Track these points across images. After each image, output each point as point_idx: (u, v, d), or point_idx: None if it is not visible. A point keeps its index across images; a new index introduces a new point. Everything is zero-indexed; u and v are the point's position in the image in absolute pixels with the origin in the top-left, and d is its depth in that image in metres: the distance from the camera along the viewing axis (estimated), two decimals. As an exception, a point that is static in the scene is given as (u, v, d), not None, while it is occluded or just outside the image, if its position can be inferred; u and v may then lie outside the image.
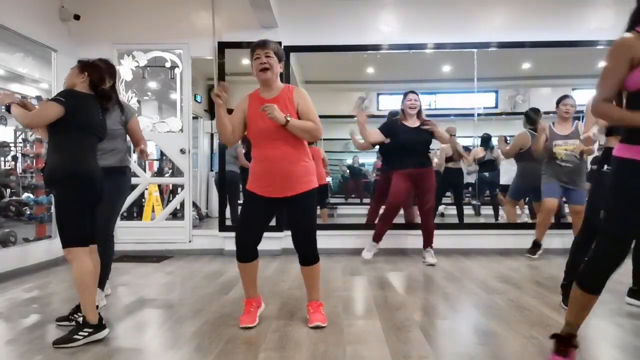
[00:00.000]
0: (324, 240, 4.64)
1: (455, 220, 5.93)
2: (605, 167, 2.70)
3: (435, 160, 6.21)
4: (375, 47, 5.15)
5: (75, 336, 2.27)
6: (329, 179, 8.74)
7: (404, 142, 4.32)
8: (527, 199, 5.78)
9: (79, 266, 2.33)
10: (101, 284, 2.95)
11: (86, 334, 2.29)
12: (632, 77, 1.77)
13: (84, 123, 2.43)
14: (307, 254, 2.59)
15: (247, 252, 2.57)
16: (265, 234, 5.39)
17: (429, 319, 2.69)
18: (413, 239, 4.74)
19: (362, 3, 5.11)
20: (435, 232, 4.54)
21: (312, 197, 2.55)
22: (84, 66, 2.54)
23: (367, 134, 4.32)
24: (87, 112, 2.45)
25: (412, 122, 4.35)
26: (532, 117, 5.09)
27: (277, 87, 2.53)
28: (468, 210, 6.46)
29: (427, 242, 4.43)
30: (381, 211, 4.66)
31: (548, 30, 5.00)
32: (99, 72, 2.56)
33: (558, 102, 4.32)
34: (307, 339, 2.36)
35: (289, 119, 2.37)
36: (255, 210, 2.57)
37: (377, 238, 4.44)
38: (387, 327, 2.52)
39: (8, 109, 2.47)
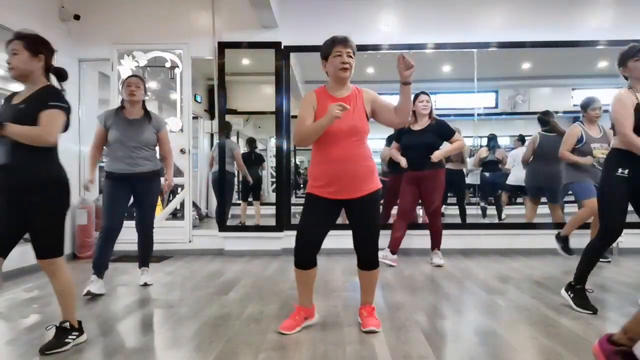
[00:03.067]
0: (325, 240, 4.67)
1: (456, 220, 5.93)
2: (620, 170, 2.64)
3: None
4: (375, 47, 5.15)
5: (66, 340, 2.23)
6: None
7: (406, 146, 4.36)
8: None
9: (64, 276, 2.28)
10: (146, 264, 3.67)
11: (74, 337, 2.27)
12: None
13: (67, 124, 2.23)
14: (371, 258, 2.50)
15: (307, 259, 2.46)
16: (266, 234, 5.43)
17: (429, 319, 2.69)
18: (414, 239, 4.74)
19: (362, 3, 5.11)
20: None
21: (378, 198, 2.51)
22: (37, 45, 2.18)
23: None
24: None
25: (420, 124, 4.34)
26: (544, 120, 5.06)
27: (348, 87, 2.48)
28: (472, 211, 6.45)
29: (435, 243, 4.40)
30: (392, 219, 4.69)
31: (548, 30, 5.00)
32: (51, 49, 2.26)
33: (585, 106, 4.18)
34: (307, 339, 2.36)
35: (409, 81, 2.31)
36: (319, 213, 2.45)
37: (395, 248, 4.34)
38: (387, 327, 2.52)
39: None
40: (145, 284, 3.57)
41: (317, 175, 2.45)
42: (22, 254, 4.19)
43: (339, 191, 2.40)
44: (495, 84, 7.55)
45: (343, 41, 2.39)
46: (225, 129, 5.67)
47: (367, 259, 2.50)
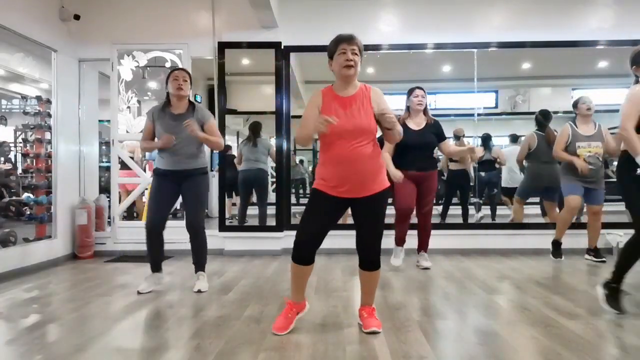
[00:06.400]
0: (325, 240, 4.68)
1: (456, 220, 5.93)
2: (639, 170, 2.61)
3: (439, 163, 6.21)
4: (375, 47, 5.14)
5: None
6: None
7: (407, 145, 3.99)
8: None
9: None
10: (200, 267, 3.52)
11: None
12: None
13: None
14: (373, 258, 2.45)
15: (307, 254, 2.41)
16: (266, 234, 5.42)
17: (429, 319, 2.69)
18: (413, 240, 4.73)
19: (362, 3, 5.11)
20: (436, 232, 4.50)
21: (386, 198, 2.45)
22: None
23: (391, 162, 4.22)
24: None
25: (417, 122, 4.13)
26: (539, 121, 5.09)
27: (355, 85, 2.43)
28: (472, 211, 6.45)
29: (423, 245, 4.27)
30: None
31: (548, 30, 5.00)
32: None
33: (576, 103, 4.28)
34: (307, 339, 2.36)
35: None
36: (324, 210, 2.41)
37: (399, 242, 4.27)
38: (387, 327, 2.52)
39: None
40: (199, 291, 3.36)
41: (325, 175, 2.42)
42: (22, 254, 4.21)
43: (348, 191, 2.37)
44: (495, 84, 7.55)
45: (348, 39, 2.35)
46: (256, 129, 5.74)
47: (369, 260, 2.45)
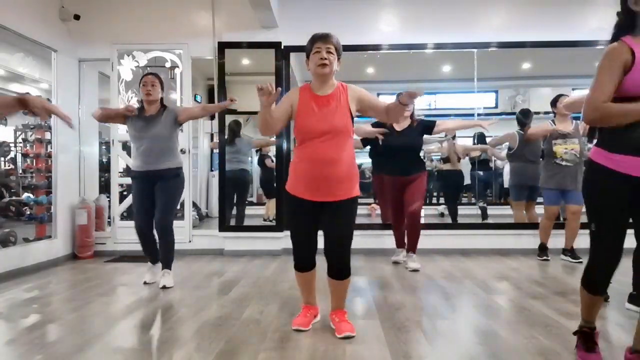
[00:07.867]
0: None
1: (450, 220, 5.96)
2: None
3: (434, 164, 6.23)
4: (375, 47, 5.15)
5: None
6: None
7: (390, 148, 4.14)
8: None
9: None
10: (166, 265, 3.57)
11: None
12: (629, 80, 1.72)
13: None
14: (340, 267, 2.38)
15: (305, 261, 2.45)
16: (266, 234, 5.42)
17: (429, 319, 2.69)
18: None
19: (362, 3, 5.11)
20: (436, 232, 4.51)
21: (355, 206, 2.40)
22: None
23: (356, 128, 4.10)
24: None
25: (402, 125, 4.15)
26: (520, 120, 5.12)
27: (332, 84, 2.40)
28: (473, 211, 6.44)
29: (411, 247, 4.14)
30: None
31: (548, 30, 5.00)
32: None
33: (555, 101, 4.35)
34: (307, 339, 2.35)
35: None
36: (304, 215, 2.39)
37: (399, 244, 4.44)
38: (387, 327, 2.52)
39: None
40: (164, 287, 3.45)
41: (296, 174, 2.39)
42: (22, 254, 4.21)
43: (316, 194, 2.32)
44: (495, 84, 7.55)
45: (323, 37, 2.34)
46: (235, 128, 5.73)
47: (336, 267, 2.38)
